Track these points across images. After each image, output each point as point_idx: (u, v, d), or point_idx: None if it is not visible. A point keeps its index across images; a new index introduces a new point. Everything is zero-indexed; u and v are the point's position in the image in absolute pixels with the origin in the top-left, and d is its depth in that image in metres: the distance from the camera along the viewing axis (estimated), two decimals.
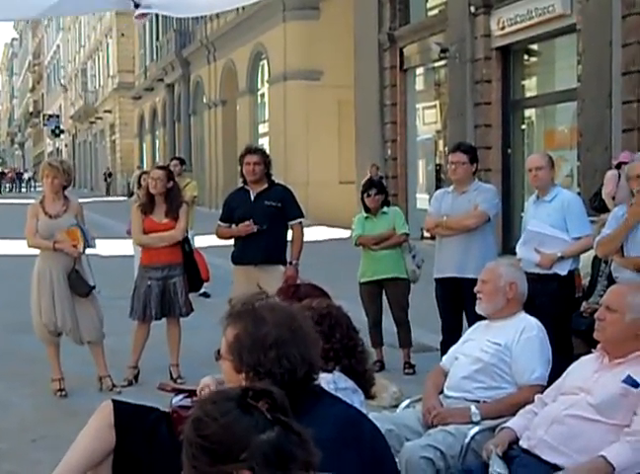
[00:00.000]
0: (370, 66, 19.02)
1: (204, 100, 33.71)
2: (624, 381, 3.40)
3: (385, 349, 8.00)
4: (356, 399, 3.03)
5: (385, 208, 7.77)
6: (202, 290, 9.76)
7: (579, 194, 12.07)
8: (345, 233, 19.50)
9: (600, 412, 3.39)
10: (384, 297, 7.82)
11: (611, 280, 5.78)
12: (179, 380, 7.05)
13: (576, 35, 12.36)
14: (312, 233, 20.26)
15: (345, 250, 15.88)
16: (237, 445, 1.86)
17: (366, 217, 7.79)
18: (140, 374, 7.30)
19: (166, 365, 7.38)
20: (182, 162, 12.13)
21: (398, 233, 7.65)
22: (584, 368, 3.64)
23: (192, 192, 11.28)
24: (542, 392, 3.80)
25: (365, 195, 7.74)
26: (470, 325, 5.28)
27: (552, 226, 6.17)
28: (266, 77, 27.65)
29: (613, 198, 8.64)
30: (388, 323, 7.98)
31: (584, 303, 6.70)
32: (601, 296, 6.45)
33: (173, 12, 6.14)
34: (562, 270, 6.15)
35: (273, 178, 7.36)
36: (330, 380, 3.01)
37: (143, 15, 4.81)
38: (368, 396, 3.22)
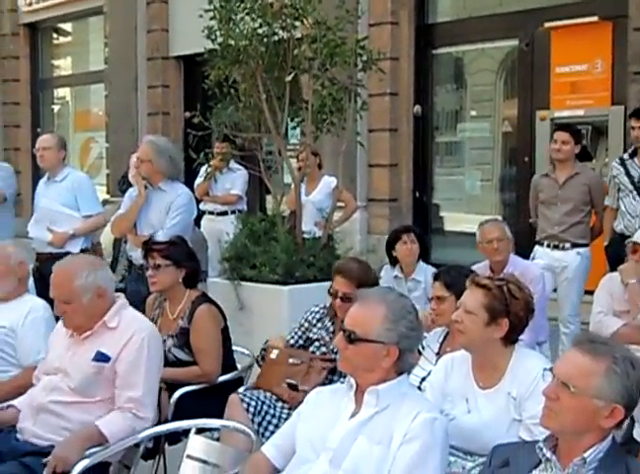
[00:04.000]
0: None
1: None
2: (95, 359, 3.42)
3: None
4: None
5: None
6: None
7: (108, 175, 12.26)
8: None
9: (82, 393, 3.41)
10: None
11: (131, 260, 5.97)
12: None
13: (104, 17, 12.45)
14: None
15: None
16: None
17: None
18: None
19: None
20: None
21: None
22: (59, 344, 3.58)
23: None
24: None
25: None
26: None
27: (64, 205, 6.26)
28: None
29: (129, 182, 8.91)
30: None
31: None
32: (123, 275, 6.68)
33: None
34: (74, 247, 6.25)
35: None
36: None
37: None
38: None
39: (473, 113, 9.41)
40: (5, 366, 4.00)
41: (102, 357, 3.42)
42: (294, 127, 6.64)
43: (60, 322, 3.64)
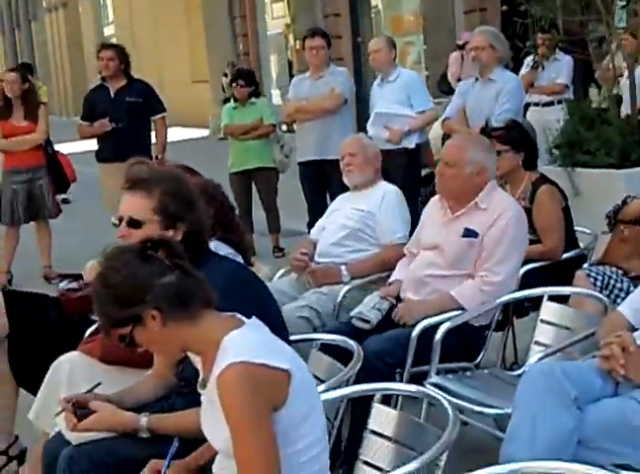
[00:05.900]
0: None
1: (44, 4, 32.22)
2: (464, 235, 3.70)
3: (256, 236, 8.28)
4: None
5: (254, 99, 7.93)
6: (62, 196, 9.69)
7: (427, 77, 12.51)
8: (200, 132, 19.42)
9: (454, 267, 3.71)
10: (254, 186, 8.04)
11: None
12: (53, 281, 7.13)
13: None
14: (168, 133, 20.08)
15: (203, 148, 15.92)
16: (141, 290, 2.09)
17: (235, 107, 7.96)
18: (14, 279, 7.35)
19: (38, 270, 7.45)
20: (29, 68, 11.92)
21: (266, 123, 7.83)
22: (433, 223, 3.92)
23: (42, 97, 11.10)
24: None
25: (234, 84, 7.92)
26: None
27: (398, 103, 6.59)
28: None
29: (459, 80, 9.05)
30: (258, 211, 8.24)
31: None
32: None
33: None
34: (410, 143, 6.61)
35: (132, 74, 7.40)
36: (212, 248, 3.24)
37: None
38: (248, 263, 3.48)
39: None
40: (366, 246, 4.42)
41: (470, 234, 3.70)
42: (624, 7, 6.44)
43: (432, 202, 3.98)
